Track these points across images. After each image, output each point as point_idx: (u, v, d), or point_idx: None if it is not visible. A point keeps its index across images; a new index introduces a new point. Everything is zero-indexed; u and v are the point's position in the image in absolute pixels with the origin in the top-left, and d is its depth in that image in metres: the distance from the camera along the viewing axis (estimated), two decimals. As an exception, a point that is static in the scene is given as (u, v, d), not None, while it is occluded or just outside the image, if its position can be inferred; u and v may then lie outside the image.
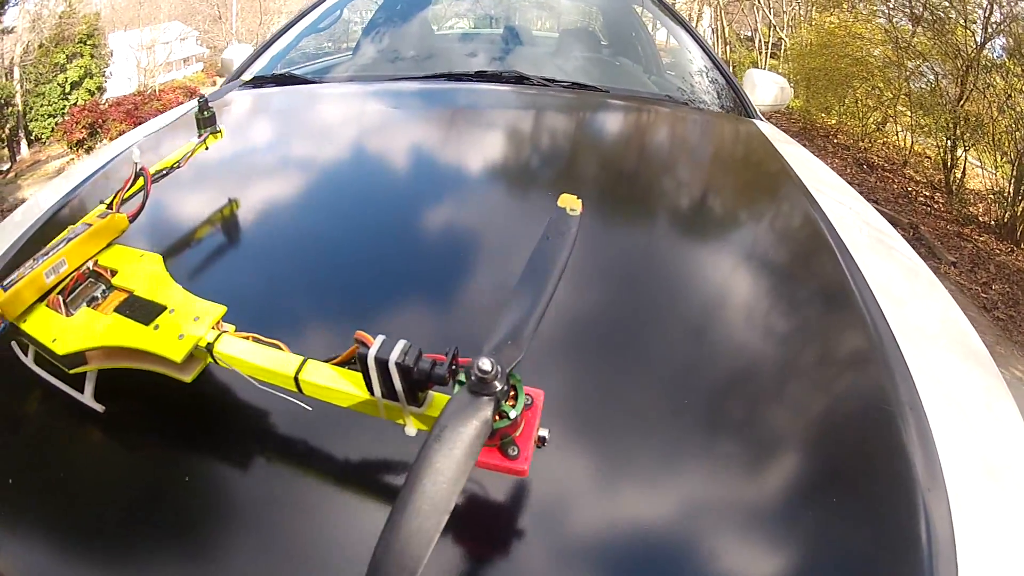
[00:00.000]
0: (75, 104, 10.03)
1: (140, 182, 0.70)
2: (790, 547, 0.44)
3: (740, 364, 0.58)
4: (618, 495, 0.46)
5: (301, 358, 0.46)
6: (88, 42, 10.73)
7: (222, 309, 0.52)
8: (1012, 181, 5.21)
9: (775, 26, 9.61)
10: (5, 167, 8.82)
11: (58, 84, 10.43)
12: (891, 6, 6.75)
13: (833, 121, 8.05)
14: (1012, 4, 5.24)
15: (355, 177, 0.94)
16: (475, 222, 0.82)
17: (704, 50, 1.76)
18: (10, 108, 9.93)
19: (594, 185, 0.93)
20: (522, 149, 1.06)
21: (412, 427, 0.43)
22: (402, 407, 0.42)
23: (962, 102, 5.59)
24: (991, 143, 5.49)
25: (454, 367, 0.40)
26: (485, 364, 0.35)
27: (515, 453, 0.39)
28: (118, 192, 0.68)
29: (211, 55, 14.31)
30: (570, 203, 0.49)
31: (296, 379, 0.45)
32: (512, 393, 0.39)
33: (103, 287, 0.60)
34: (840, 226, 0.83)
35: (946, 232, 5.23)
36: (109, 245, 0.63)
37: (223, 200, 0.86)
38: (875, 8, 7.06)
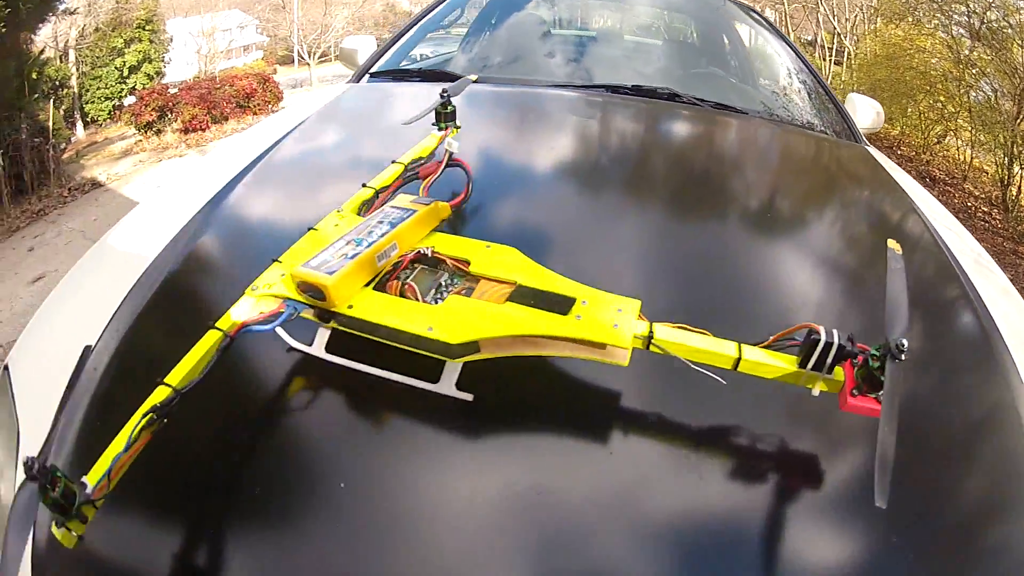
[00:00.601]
0: (133, 88, 10.69)
1: (398, 172, 0.79)
2: (944, 510, 0.59)
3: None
4: (809, 473, 0.59)
5: (736, 343, 0.55)
6: (147, 27, 11.28)
7: (638, 301, 0.58)
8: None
9: (839, 33, 9.69)
10: (62, 146, 9.24)
11: (115, 68, 10.99)
12: (952, 20, 6.84)
13: (896, 132, 8.13)
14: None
15: (578, 180, 1.08)
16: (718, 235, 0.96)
17: (811, 73, 1.94)
18: (65, 90, 10.37)
19: (758, 209, 1.09)
20: (695, 165, 1.26)
21: (818, 390, 0.55)
22: (821, 376, 0.54)
23: (1019, 120, 5.67)
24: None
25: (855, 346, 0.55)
26: (904, 344, 0.49)
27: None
28: (426, 179, 0.78)
29: (271, 43, 15.07)
30: (895, 246, 0.64)
31: (738, 360, 0.54)
32: None
33: (446, 275, 0.62)
34: (955, 251, 0.99)
35: (1002, 249, 5.38)
36: (431, 233, 0.67)
37: (496, 191, 0.94)
38: (938, 23, 7.14)
